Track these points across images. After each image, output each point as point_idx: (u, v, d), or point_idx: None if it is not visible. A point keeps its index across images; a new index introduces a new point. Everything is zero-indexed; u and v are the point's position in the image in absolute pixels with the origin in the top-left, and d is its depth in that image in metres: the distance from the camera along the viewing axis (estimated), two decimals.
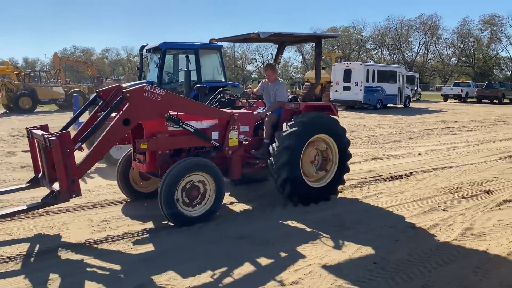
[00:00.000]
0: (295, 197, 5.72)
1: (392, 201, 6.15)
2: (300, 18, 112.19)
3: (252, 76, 69.09)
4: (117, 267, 3.93)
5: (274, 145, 5.71)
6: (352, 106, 26.67)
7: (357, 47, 76.29)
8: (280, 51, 7.25)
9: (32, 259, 4.10)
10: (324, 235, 4.77)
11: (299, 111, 6.02)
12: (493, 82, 41.39)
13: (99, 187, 6.81)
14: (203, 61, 10.98)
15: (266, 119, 6.12)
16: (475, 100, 36.71)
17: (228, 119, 5.59)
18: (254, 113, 6.32)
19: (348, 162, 6.39)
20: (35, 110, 23.88)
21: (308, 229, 4.96)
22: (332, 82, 27.00)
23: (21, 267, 3.93)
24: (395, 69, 29.43)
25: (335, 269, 3.90)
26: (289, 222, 5.20)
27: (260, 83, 6.78)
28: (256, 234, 4.78)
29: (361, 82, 25.52)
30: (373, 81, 26.16)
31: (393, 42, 73.33)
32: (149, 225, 5.06)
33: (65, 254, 4.21)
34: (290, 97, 6.54)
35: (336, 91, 26.58)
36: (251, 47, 77.33)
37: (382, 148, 10.99)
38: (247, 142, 5.98)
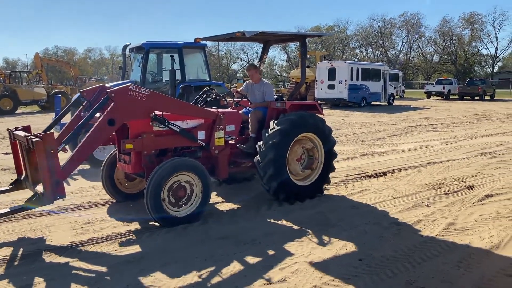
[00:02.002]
0: (281, 194, 5.73)
1: (377, 198, 6.21)
2: (284, 17, 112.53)
3: (237, 75, 68.98)
4: (102, 269, 3.88)
5: (260, 143, 5.73)
6: (336, 104, 26.85)
7: (341, 45, 76.84)
8: (265, 50, 7.22)
9: (15, 263, 4.01)
10: (310, 233, 4.79)
11: (284, 110, 6.02)
12: (474, 79, 42.13)
13: (82, 188, 6.71)
14: (187, 60, 10.93)
15: (252, 114, 6.13)
16: (457, 97, 37.34)
17: (214, 118, 5.56)
18: (240, 112, 6.29)
19: (333, 160, 6.42)
20: (16, 112, 23.44)
21: (293, 228, 4.96)
22: (316, 81, 27.13)
23: (4, 271, 3.85)
24: (379, 67, 29.74)
25: (321, 267, 3.92)
26: (274, 221, 5.20)
27: (245, 83, 6.76)
28: (241, 233, 4.77)
29: (346, 80, 25.72)
30: (357, 79, 26.40)
31: (376, 40, 74.09)
32: (133, 226, 5.01)
33: (48, 258, 4.13)
34: (275, 96, 6.57)
35: (321, 89, 26.73)
36: (236, 46, 77.28)
37: (367, 146, 11.08)
38: (233, 142, 5.96)
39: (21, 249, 4.35)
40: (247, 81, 6.72)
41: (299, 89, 7.98)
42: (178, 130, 5.19)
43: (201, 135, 5.51)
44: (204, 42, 11.70)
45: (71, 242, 4.53)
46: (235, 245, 4.43)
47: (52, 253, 4.23)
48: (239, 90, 6.73)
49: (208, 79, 11.22)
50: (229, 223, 5.13)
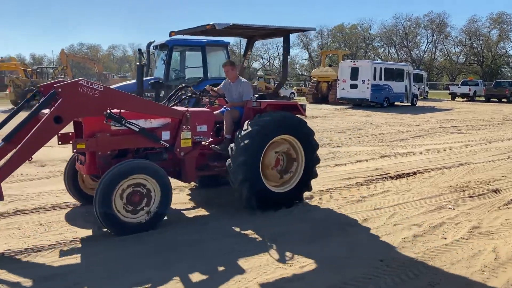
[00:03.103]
0: (253, 201, 5.27)
1: (399, 199, 6.13)
2: (307, 16, 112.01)
3: (258, 73, 69.02)
4: (125, 259, 3.96)
5: (232, 145, 5.30)
6: (359, 104, 26.60)
7: (364, 45, 76.01)
8: (249, 46, 6.77)
9: (44, 252, 4.14)
10: (330, 232, 4.77)
11: (260, 110, 5.56)
12: (501, 80, 40.97)
13: None
14: (210, 58, 11.03)
15: (227, 114, 5.71)
16: (483, 98, 36.42)
17: (180, 118, 5.11)
18: (215, 113, 5.83)
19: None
20: None
21: (313, 226, 4.94)
22: (339, 80, 26.95)
23: (50, 257, 3.97)
24: (403, 67, 29.32)
25: (341, 266, 3.90)
26: (294, 219, 5.19)
27: (223, 81, 6.30)
28: (259, 231, 4.77)
29: (368, 80, 25.45)
30: (380, 79, 26.08)
31: (400, 40, 72.99)
32: None
33: (70, 248, 4.24)
34: (256, 95, 6.08)
35: (343, 89, 26.55)
36: (257, 44, 77.28)
37: (389, 146, 10.95)
38: (206, 143, 5.61)
39: (50, 238, 4.48)
40: (226, 79, 6.28)
41: (279, 88, 7.49)
42: (137, 129, 4.77)
43: (165, 135, 5.07)
44: (226, 40, 11.76)
45: (96, 233, 4.65)
46: (254, 242, 4.46)
47: (76, 243, 4.35)
48: (215, 88, 6.26)
49: None
50: (247, 221, 5.13)
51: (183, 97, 6.07)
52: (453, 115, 21.59)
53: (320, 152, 9.49)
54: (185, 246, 4.33)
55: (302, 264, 3.93)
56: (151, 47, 11.99)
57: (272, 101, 5.80)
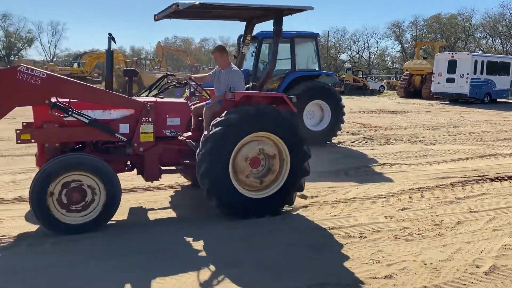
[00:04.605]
0: (214, 197, 4.63)
1: (500, 203, 5.64)
2: (403, 5, 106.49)
3: (346, 65, 67.31)
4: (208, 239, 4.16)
5: (205, 133, 4.72)
6: (455, 99, 24.81)
7: (464, 36, 70.45)
8: (247, 31, 5.94)
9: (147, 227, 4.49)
10: (420, 232, 4.55)
11: (234, 103, 4.80)
12: None
13: None
14: (298, 49, 10.97)
15: (206, 108, 5.08)
16: None
17: (139, 109, 4.66)
18: (198, 105, 5.39)
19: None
20: None
21: (402, 226, 4.74)
22: (434, 73, 25.35)
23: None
24: (508, 60, 26.76)
25: (432, 268, 3.71)
26: (383, 217, 5.03)
27: (214, 69, 5.64)
28: (346, 226, 4.71)
29: (468, 74, 23.59)
30: (481, 73, 24.04)
31: (507, 30, 66.41)
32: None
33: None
34: (247, 86, 5.43)
35: (439, 83, 24.93)
36: (346, 35, 75.40)
37: (489, 146, 10.09)
38: (183, 138, 5.06)
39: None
40: (217, 67, 5.55)
41: (269, 78, 6.14)
42: (87, 121, 4.39)
43: (124, 128, 4.62)
44: (315, 31, 11.63)
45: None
46: (340, 237, 4.40)
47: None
48: (195, 76, 5.64)
49: (317, 69, 11.16)
50: (335, 215, 5.07)
51: (167, 86, 5.62)
52: None
53: (411, 149, 9.17)
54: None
55: (389, 262, 3.81)
56: (242, 39, 12.24)
57: (249, 92, 5.11)
